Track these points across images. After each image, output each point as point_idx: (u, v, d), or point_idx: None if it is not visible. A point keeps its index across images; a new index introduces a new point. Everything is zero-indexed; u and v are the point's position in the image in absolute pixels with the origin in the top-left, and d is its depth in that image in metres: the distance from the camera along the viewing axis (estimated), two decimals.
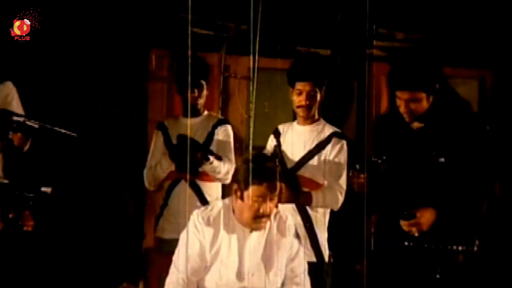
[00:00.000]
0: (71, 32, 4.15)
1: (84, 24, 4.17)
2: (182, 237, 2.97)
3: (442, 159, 3.10)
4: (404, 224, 3.07)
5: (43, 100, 3.92)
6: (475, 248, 3.12)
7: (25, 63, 3.83)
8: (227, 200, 3.02)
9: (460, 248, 3.09)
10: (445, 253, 3.09)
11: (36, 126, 3.29)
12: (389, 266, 3.19)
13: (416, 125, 3.23)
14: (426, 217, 3.07)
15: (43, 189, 3.23)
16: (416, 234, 3.07)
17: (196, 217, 2.95)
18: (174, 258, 2.96)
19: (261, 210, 2.84)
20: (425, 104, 3.14)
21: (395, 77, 3.21)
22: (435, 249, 3.08)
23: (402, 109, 3.17)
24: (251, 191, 2.82)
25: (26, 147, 3.41)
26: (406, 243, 3.13)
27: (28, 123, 3.28)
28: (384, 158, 3.22)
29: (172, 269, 2.95)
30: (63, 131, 3.31)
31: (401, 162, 3.20)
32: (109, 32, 4.27)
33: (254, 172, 2.81)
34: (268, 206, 2.85)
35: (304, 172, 3.54)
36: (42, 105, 3.76)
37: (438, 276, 3.05)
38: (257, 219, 2.86)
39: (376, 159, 3.23)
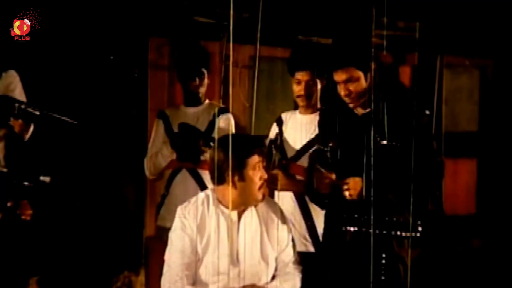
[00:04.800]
0: (71, 21, 4.13)
1: (84, 13, 4.15)
2: (171, 235, 2.97)
3: (384, 142, 3.08)
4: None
5: (44, 89, 3.91)
6: (418, 234, 3.07)
7: (26, 54, 3.81)
8: (208, 191, 3.02)
9: (404, 234, 3.05)
10: (390, 238, 3.07)
11: (37, 113, 3.29)
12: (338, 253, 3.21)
13: (360, 111, 3.22)
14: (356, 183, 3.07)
15: (41, 178, 3.23)
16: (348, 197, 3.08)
17: (181, 212, 2.96)
18: (166, 257, 2.94)
19: (262, 177, 2.91)
20: (363, 83, 3.12)
21: (331, 58, 3.21)
22: (380, 235, 3.06)
23: (342, 92, 3.15)
24: (251, 161, 2.87)
25: (27, 135, 3.40)
26: (352, 229, 3.10)
27: (30, 109, 3.28)
28: (331, 145, 3.22)
29: (165, 268, 2.92)
30: (64, 118, 3.30)
31: (348, 148, 3.19)
32: (110, 20, 4.26)
33: (241, 151, 2.85)
34: (262, 171, 2.93)
35: (303, 161, 3.52)
36: (43, 94, 3.75)
37: (384, 262, 3.05)
38: (261, 189, 2.91)
39: (323, 147, 3.24)
